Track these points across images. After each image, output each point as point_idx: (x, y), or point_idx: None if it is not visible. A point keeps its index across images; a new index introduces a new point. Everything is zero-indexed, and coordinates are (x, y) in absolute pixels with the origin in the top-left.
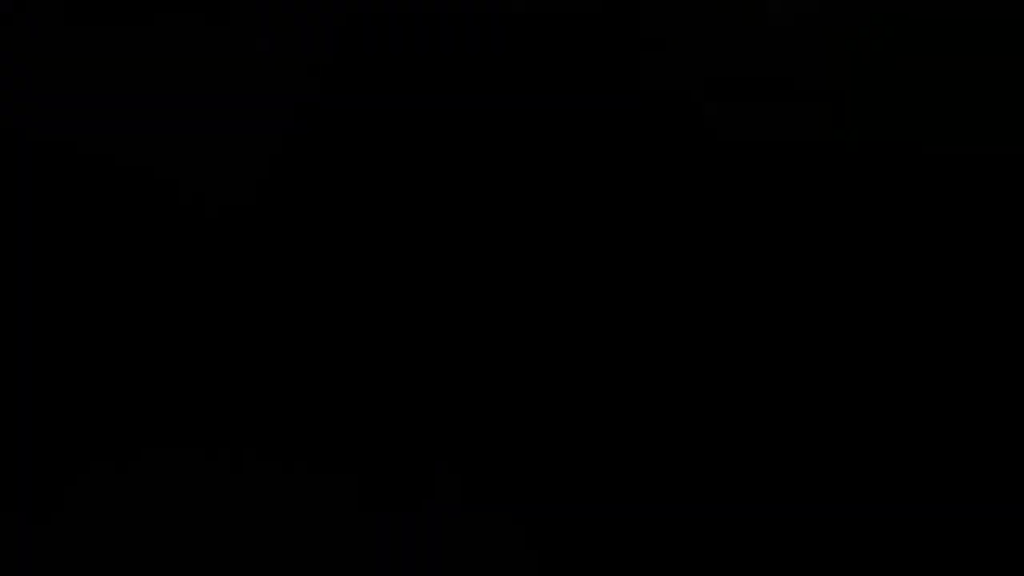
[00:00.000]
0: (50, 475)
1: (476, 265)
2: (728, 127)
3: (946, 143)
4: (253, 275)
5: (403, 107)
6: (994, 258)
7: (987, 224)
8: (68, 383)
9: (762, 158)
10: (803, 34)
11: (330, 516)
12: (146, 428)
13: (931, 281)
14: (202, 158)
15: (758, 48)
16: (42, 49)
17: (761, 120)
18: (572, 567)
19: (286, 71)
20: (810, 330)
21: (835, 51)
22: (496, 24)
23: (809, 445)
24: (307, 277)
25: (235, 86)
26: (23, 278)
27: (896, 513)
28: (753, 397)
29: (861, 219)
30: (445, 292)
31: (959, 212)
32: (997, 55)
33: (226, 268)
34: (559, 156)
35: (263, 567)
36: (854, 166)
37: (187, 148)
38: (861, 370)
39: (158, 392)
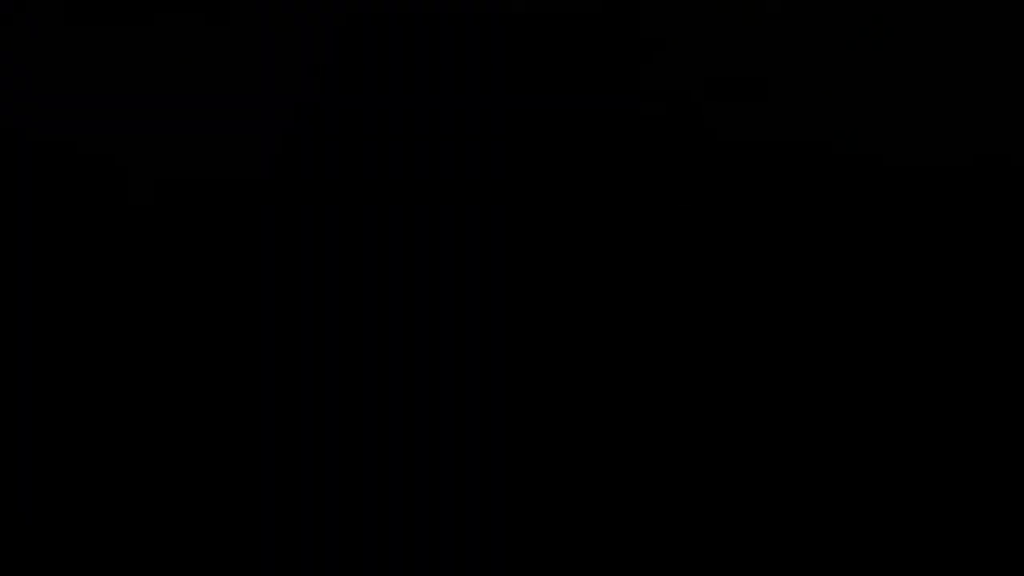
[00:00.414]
0: (50, 475)
1: (475, 265)
2: (728, 127)
3: (942, 145)
4: (253, 275)
5: (403, 107)
6: (993, 259)
7: (987, 224)
8: (68, 383)
9: (762, 158)
10: (802, 34)
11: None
12: (146, 428)
13: (930, 282)
14: (202, 158)
15: (758, 48)
16: (42, 49)
17: (761, 120)
18: (572, 567)
19: (286, 71)
20: (809, 330)
21: (833, 51)
22: (496, 24)
23: (809, 445)
24: (307, 277)
25: (235, 86)
26: (23, 278)
27: (896, 513)
28: (752, 397)
29: (860, 219)
30: (444, 292)
31: (959, 212)
32: (995, 55)
33: (226, 268)
34: (559, 156)
35: (263, 567)
36: (853, 166)
37: (187, 148)
38: (860, 370)
39: (158, 392)
